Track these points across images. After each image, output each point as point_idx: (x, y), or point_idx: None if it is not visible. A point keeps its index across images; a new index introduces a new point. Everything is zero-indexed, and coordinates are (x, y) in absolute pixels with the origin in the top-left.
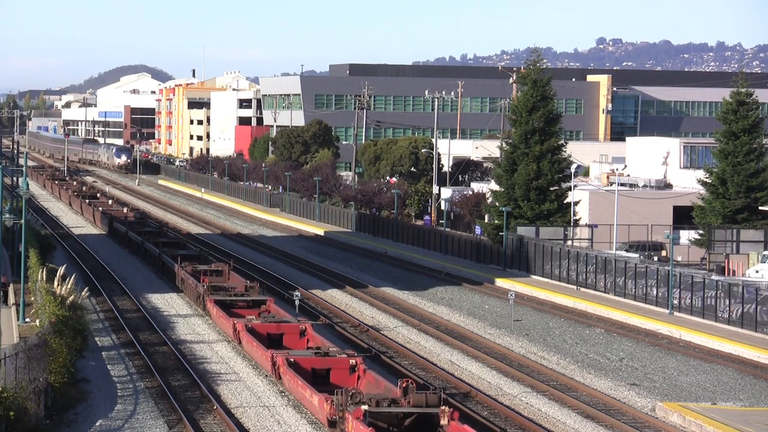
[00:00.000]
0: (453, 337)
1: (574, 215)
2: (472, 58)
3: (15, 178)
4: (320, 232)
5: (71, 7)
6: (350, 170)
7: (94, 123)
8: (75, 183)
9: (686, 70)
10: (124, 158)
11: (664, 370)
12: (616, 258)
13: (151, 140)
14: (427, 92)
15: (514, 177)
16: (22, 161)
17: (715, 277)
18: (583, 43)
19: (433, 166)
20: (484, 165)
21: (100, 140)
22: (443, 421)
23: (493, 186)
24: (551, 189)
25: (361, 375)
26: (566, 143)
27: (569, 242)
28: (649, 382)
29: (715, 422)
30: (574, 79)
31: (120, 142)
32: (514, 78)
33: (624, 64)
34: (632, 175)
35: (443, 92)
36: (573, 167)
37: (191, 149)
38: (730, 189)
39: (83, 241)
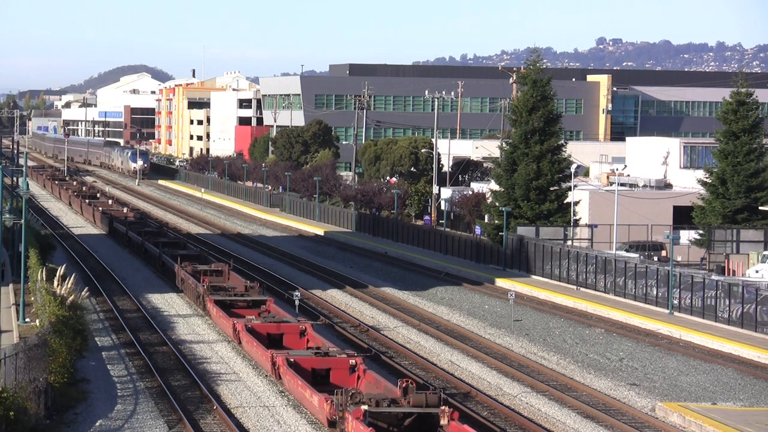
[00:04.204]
0: (453, 337)
1: (574, 215)
2: (472, 58)
3: (15, 178)
4: (320, 232)
5: (71, 7)
6: (350, 170)
7: (94, 123)
8: (75, 183)
9: (686, 70)
10: (140, 162)
11: (664, 370)
12: (616, 258)
13: (151, 140)
14: (427, 92)
15: (514, 177)
16: (22, 161)
17: (715, 277)
18: (583, 43)
19: (433, 166)
20: (484, 165)
21: (121, 142)
22: (443, 421)
23: (493, 186)
24: (551, 189)
25: (361, 375)
26: (566, 143)
27: (569, 242)
28: (649, 382)
29: (715, 422)
30: (574, 79)
31: (120, 142)
32: (514, 78)
33: (624, 64)
34: (632, 175)
35: (443, 92)
36: (573, 167)
37: (191, 149)
38: (730, 189)
39: (83, 241)
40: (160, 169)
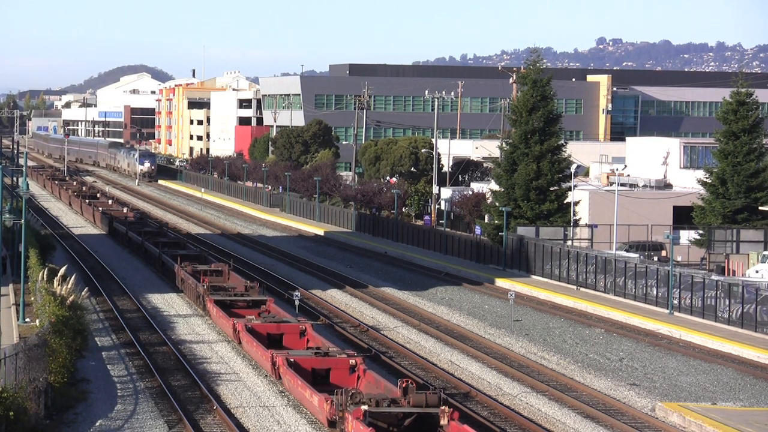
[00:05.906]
0: (453, 337)
1: (574, 215)
2: (472, 58)
3: (15, 178)
4: (320, 232)
5: (71, 7)
6: (350, 170)
7: (94, 123)
8: (75, 183)
9: (686, 70)
10: (147, 165)
11: (664, 370)
12: (616, 258)
13: (151, 140)
14: (427, 92)
15: (514, 177)
16: (22, 161)
17: (715, 277)
18: (583, 43)
19: (433, 166)
20: (484, 165)
21: (122, 142)
22: (443, 421)
23: (493, 186)
24: (551, 189)
25: (361, 375)
26: (566, 143)
27: (569, 242)
28: (649, 382)
29: (715, 422)
30: (574, 79)
31: (121, 142)
32: (514, 78)
33: (624, 64)
34: (632, 175)
35: (443, 92)
36: (573, 167)
37: (191, 149)
38: (730, 189)
39: (83, 241)
40: (160, 169)
